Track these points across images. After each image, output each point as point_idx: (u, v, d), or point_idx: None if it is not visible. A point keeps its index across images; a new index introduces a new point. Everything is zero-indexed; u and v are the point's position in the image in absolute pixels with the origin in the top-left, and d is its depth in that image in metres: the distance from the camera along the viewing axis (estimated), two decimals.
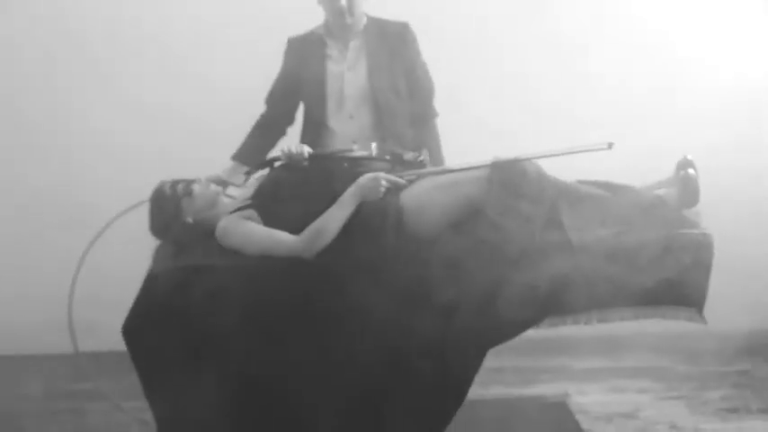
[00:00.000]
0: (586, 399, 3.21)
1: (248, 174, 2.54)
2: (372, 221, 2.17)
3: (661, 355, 3.64)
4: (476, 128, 3.33)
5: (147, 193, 2.44)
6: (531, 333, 3.55)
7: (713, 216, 3.17)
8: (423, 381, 2.13)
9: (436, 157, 2.67)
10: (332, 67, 2.67)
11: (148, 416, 2.76)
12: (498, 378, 3.43)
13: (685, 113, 3.56)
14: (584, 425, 2.93)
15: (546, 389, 3.32)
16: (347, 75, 2.67)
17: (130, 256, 2.65)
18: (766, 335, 3.71)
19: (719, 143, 3.42)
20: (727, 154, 3.48)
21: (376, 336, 2.06)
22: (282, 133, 2.85)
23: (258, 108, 2.83)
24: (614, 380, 3.40)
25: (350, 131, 2.65)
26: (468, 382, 2.19)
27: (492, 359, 3.49)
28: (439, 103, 2.85)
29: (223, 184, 2.54)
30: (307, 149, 2.38)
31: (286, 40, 2.76)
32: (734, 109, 3.65)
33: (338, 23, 2.64)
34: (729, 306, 3.69)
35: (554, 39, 3.62)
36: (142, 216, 2.56)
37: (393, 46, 2.69)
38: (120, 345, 2.81)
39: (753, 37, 3.71)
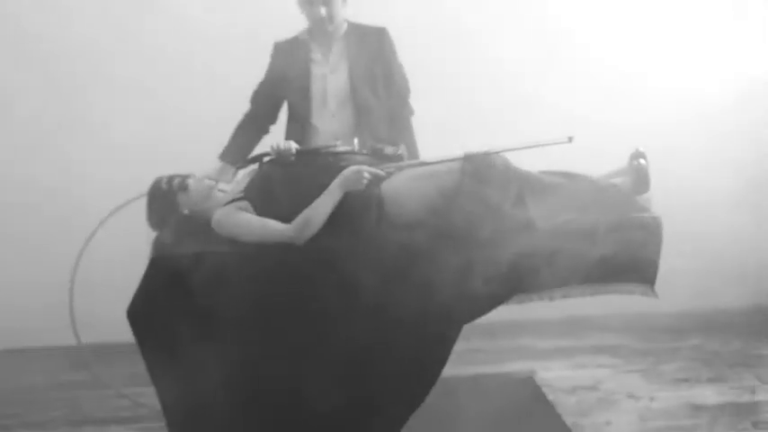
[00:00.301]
0: (551, 374, 3.45)
1: (239, 168, 2.72)
2: (356, 209, 2.36)
3: (621, 334, 3.89)
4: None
5: (144, 188, 2.62)
6: (499, 317, 3.82)
7: (671, 207, 3.47)
8: (404, 353, 2.33)
9: (412, 152, 2.88)
10: (315, 70, 2.85)
11: (143, 400, 2.97)
12: (470, 358, 3.64)
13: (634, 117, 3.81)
14: (549, 396, 3.17)
15: (514, 366, 3.55)
16: (330, 77, 2.85)
17: (124, 253, 2.83)
18: (715, 313, 4.02)
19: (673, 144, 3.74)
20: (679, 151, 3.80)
21: (361, 311, 2.25)
22: (266, 131, 3.00)
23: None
24: (577, 357, 3.65)
25: (332, 129, 2.83)
26: (445, 355, 2.40)
27: (464, 342, 3.77)
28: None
29: (214, 180, 2.70)
30: (294, 145, 2.55)
31: (272, 44, 2.92)
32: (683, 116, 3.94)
33: (320, 30, 2.83)
34: (683, 288, 4.01)
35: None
36: (132, 212, 2.74)
37: (372, 50, 2.86)
38: (112, 337, 3.01)
39: (696, 51, 3.98)
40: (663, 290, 3.98)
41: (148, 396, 2.89)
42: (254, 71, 2.93)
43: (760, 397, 3.14)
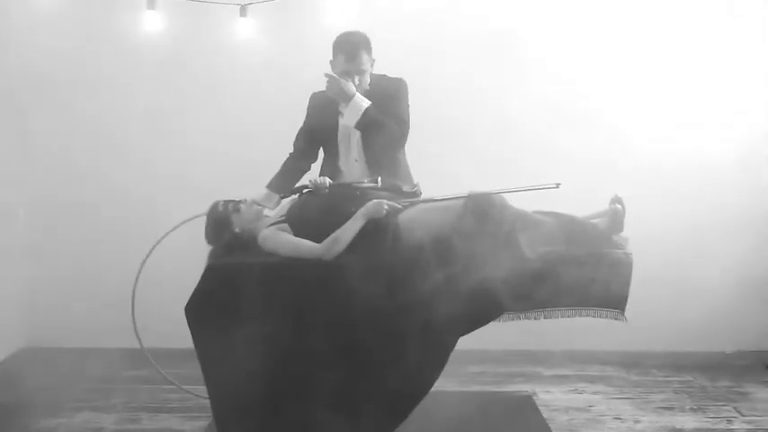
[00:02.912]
0: (550, 396, 3.85)
1: (283, 197, 3.22)
2: (376, 234, 2.83)
3: (619, 368, 4.26)
4: None
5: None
6: (511, 346, 4.29)
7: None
8: (406, 356, 2.76)
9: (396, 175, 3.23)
10: (342, 121, 3.25)
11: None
12: (479, 379, 4.07)
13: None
14: (545, 414, 3.56)
15: (517, 388, 3.96)
16: (353, 128, 3.20)
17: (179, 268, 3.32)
18: (707, 355, 4.38)
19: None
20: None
21: (374, 313, 2.72)
22: (307, 168, 3.46)
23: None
24: (576, 384, 4.04)
25: (355, 173, 3.28)
26: (442, 360, 2.82)
27: (477, 365, 4.21)
28: None
29: (261, 206, 3.19)
30: (328, 180, 3.06)
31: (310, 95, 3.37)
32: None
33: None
34: (681, 330, 4.39)
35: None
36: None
37: (385, 97, 3.21)
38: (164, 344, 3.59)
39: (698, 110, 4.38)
40: (662, 331, 4.41)
41: (196, 392, 3.46)
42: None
43: (735, 426, 3.49)
